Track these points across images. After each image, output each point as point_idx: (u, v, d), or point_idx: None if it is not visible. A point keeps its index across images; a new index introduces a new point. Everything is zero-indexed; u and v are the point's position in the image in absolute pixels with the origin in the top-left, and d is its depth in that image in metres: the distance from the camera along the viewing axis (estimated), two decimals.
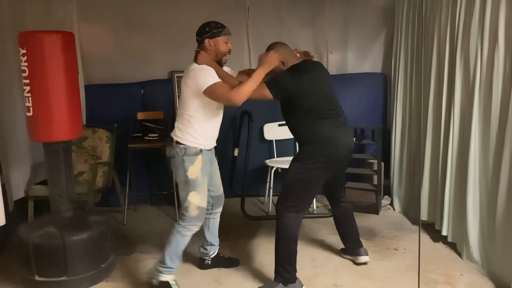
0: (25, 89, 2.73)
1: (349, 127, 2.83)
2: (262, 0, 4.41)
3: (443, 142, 3.27)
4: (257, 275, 2.92)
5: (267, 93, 2.59)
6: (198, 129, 2.62)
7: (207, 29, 2.65)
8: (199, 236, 2.90)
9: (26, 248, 2.78)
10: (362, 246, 3.09)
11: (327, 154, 2.63)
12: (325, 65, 4.53)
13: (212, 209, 2.97)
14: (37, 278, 2.80)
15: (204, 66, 2.59)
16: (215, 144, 2.81)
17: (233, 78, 2.69)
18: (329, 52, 4.53)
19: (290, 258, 2.67)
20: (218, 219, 3.04)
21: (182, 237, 2.68)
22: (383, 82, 4.52)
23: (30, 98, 2.72)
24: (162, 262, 2.70)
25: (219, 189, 2.97)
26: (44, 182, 3.58)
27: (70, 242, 2.77)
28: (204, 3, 4.33)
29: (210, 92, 2.50)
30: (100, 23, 4.36)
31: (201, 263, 3.10)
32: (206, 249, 3.07)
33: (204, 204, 2.69)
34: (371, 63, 4.57)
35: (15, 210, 3.55)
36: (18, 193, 3.60)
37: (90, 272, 2.87)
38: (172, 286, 2.69)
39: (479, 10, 2.83)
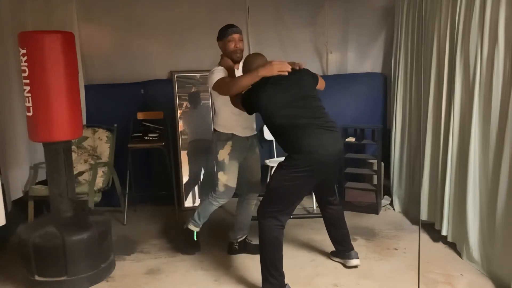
0: (25, 89, 2.73)
1: (335, 130, 2.68)
2: (262, 0, 4.42)
3: (443, 142, 3.27)
4: (257, 275, 2.91)
5: (242, 108, 2.77)
6: (226, 118, 2.99)
7: (219, 33, 3.01)
8: (230, 227, 3.31)
9: (26, 248, 2.78)
10: (353, 249, 3.03)
11: (313, 163, 2.54)
12: (325, 65, 4.58)
13: (246, 195, 3.21)
14: (37, 278, 2.80)
15: (217, 68, 2.95)
16: (254, 132, 3.15)
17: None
18: (329, 52, 4.53)
19: (275, 263, 2.61)
20: (251, 205, 3.25)
21: (210, 204, 3.14)
22: (383, 82, 4.52)
23: (30, 98, 2.72)
24: (193, 215, 3.22)
25: (256, 177, 3.20)
26: (44, 182, 3.58)
27: (70, 242, 2.77)
28: (204, 3, 4.34)
29: (215, 88, 2.86)
30: (100, 23, 4.36)
31: (230, 247, 3.31)
32: (236, 233, 3.27)
33: (230, 183, 3.05)
34: (371, 63, 4.58)
35: (15, 210, 3.55)
36: (16, 193, 3.60)
37: (90, 272, 2.87)
38: (194, 234, 3.25)
39: (479, 10, 2.83)
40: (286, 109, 2.59)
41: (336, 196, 3.04)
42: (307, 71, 2.84)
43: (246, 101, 2.73)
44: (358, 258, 3.01)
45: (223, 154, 3.01)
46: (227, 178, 3.03)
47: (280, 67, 2.61)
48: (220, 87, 2.82)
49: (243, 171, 3.14)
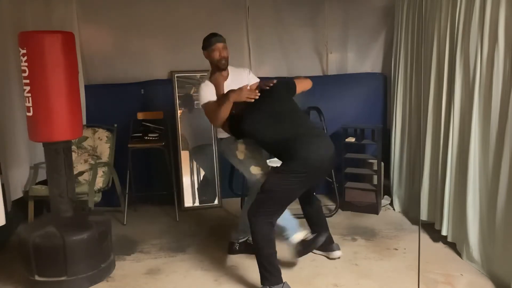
0: (25, 89, 2.73)
1: (323, 135, 2.85)
2: (262, 0, 4.41)
3: (443, 142, 3.27)
4: (257, 274, 2.91)
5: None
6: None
7: (203, 42, 3.00)
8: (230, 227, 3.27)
9: (26, 248, 2.78)
10: (333, 242, 3.16)
11: (308, 170, 2.64)
12: (325, 65, 4.58)
13: (254, 195, 3.12)
14: (37, 278, 2.80)
15: (205, 82, 3.00)
16: None
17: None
18: (329, 52, 4.53)
19: (270, 259, 2.68)
20: None
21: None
22: (383, 82, 4.52)
23: (30, 98, 2.72)
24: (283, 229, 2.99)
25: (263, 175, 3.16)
26: (44, 182, 3.58)
27: (70, 242, 2.77)
28: (204, 3, 4.33)
29: (203, 108, 2.94)
30: (100, 23, 4.36)
31: (230, 247, 3.29)
32: (238, 234, 3.26)
33: (266, 170, 2.96)
34: (371, 63, 4.58)
35: (15, 210, 3.55)
36: (16, 193, 3.60)
37: (90, 272, 2.87)
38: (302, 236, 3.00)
39: (479, 10, 2.83)
40: (269, 128, 2.74)
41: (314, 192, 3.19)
42: (279, 83, 2.92)
43: (232, 132, 2.86)
44: (339, 250, 3.14)
45: (241, 152, 2.98)
46: (261, 168, 2.95)
47: (248, 94, 2.73)
48: (208, 117, 2.93)
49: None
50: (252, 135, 2.79)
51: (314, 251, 3.17)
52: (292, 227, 2.95)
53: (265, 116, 2.77)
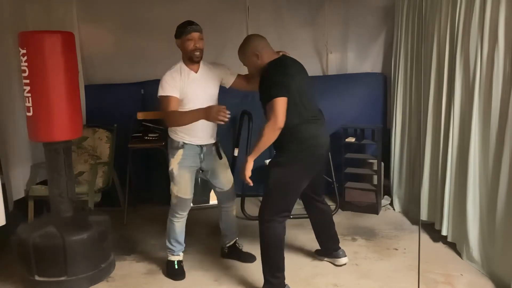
0: (25, 89, 2.74)
1: (324, 125, 2.74)
2: (262, 0, 4.41)
3: (443, 142, 3.27)
4: (257, 275, 2.91)
5: (283, 102, 2.46)
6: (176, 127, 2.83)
7: (176, 30, 2.79)
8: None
9: (26, 248, 2.79)
10: (340, 248, 3.05)
11: (308, 155, 2.57)
12: (325, 65, 4.58)
13: (221, 204, 3.11)
14: (37, 278, 2.80)
15: (173, 70, 2.82)
16: (213, 141, 2.94)
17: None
18: (329, 52, 4.53)
19: (279, 264, 2.63)
20: (231, 212, 3.15)
21: (170, 223, 3.00)
22: (383, 82, 4.52)
23: (30, 98, 2.72)
24: (166, 245, 3.04)
25: (226, 186, 3.04)
26: (44, 182, 3.58)
27: (70, 242, 2.77)
28: (204, 3, 4.33)
29: (160, 101, 2.77)
30: (100, 23, 4.36)
31: (222, 251, 3.27)
32: (222, 238, 3.21)
33: (182, 194, 2.89)
34: (371, 63, 4.57)
35: (15, 210, 3.55)
36: (18, 193, 3.60)
37: (90, 272, 2.87)
38: (174, 264, 3.02)
39: (479, 10, 2.83)
40: (304, 94, 2.57)
41: (323, 195, 3.03)
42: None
43: (275, 80, 2.51)
44: (346, 256, 3.04)
45: (173, 163, 2.87)
46: (177, 189, 2.88)
47: (217, 115, 2.50)
48: (165, 116, 2.76)
49: (212, 180, 3.03)
50: (291, 86, 2.52)
51: (318, 257, 3.15)
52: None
53: (306, 82, 2.63)
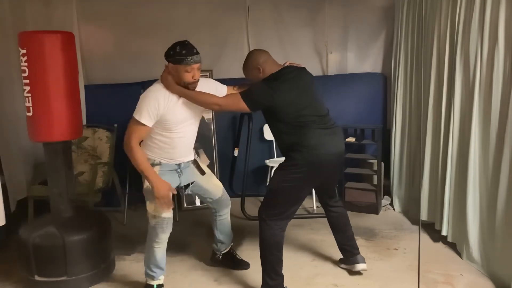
0: (25, 89, 2.73)
1: (339, 132, 2.69)
2: (262, 0, 4.41)
3: (443, 142, 3.27)
4: (257, 275, 2.91)
5: (243, 106, 2.52)
6: (152, 145, 2.63)
7: (171, 52, 2.48)
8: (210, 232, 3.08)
9: (26, 248, 2.78)
10: (359, 253, 2.95)
11: (311, 162, 2.53)
12: (325, 65, 4.58)
13: (216, 212, 2.99)
14: (37, 278, 2.80)
15: (147, 94, 2.50)
16: (192, 157, 2.77)
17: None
18: (329, 52, 4.54)
19: (275, 267, 2.61)
20: (226, 219, 3.04)
21: (150, 248, 2.70)
22: (383, 82, 4.52)
23: (30, 98, 2.72)
24: (145, 269, 2.79)
25: (216, 194, 2.92)
26: (44, 182, 3.58)
27: (70, 242, 2.77)
28: (204, 3, 4.34)
29: (131, 123, 2.49)
30: (100, 23, 4.36)
31: (212, 256, 3.14)
32: (217, 245, 3.09)
33: (161, 213, 2.61)
34: (371, 63, 4.58)
35: (18, 210, 3.55)
36: (20, 193, 3.60)
37: (90, 272, 2.87)
38: None
39: (479, 10, 2.83)
40: (301, 104, 2.55)
41: (337, 198, 2.97)
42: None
43: (253, 95, 2.54)
44: (364, 263, 2.92)
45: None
46: (154, 207, 2.60)
47: (161, 201, 2.49)
48: (127, 145, 2.49)
49: (199, 193, 2.91)
50: (278, 101, 2.52)
51: (340, 265, 3.06)
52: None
53: (305, 91, 2.60)
